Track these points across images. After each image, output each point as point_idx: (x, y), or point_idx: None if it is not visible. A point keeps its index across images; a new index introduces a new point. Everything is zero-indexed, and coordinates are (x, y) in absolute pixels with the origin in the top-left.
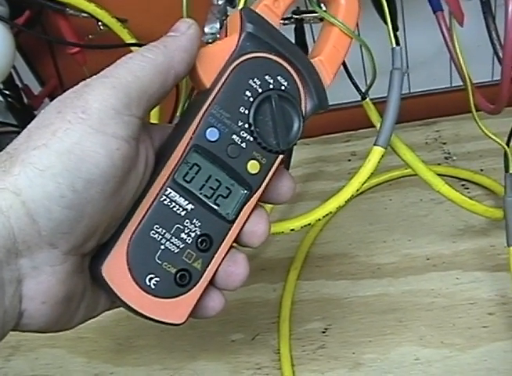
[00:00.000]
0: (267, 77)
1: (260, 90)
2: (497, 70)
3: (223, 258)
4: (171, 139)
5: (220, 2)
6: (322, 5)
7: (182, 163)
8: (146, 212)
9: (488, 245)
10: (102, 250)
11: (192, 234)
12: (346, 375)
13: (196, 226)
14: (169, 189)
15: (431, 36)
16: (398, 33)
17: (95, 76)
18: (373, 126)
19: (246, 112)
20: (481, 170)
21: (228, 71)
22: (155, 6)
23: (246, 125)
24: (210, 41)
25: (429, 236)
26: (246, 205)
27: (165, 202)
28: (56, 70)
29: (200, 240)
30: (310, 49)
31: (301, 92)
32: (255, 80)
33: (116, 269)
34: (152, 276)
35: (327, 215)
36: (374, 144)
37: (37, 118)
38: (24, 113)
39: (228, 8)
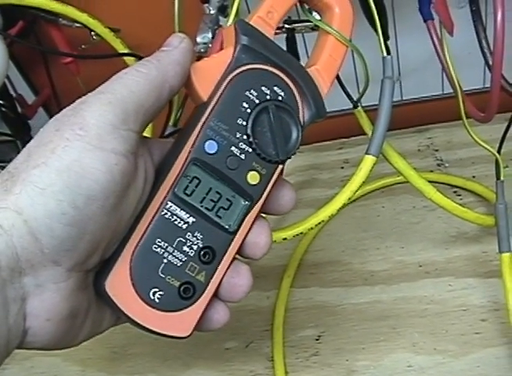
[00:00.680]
0: (264, 88)
1: (257, 101)
2: (488, 76)
3: (226, 270)
4: (170, 153)
5: (212, 12)
6: (315, 13)
7: (181, 176)
8: (147, 226)
9: (480, 252)
10: (106, 265)
11: (195, 247)
12: None
13: (198, 239)
14: (170, 203)
15: (423, 43)
16: (389, 41)
17: (90, 93)
18: (365, 133)
19: (244, 123)
20: (474, 177)
21: (224, 84)
22: (147, 16)
23: (245, 137)
24: (202, 50)
25: (421, 243)
26: (248, 216)
27: (166, 216)
28: (50, 80)
29: (202, 252)
30: (301, 59)
31: (298, 102)
32: (252, 91)
33: (119, 285)
34: (156, 289)
35: (319, 223)
36: (366, 153)
37: (36, 137)
38: (18, 122)
39: (220, 17)
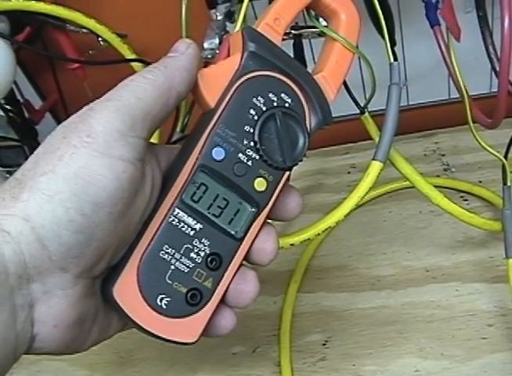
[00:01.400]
0: (271, 94)
1: (264, 108)
2: (495, 81)
3: (233, 276)
4: (177, 159)
5: (219, 18)
6: (321, 20)
7: (189, 183)
8: (154, 233)
9: (487, 257)
10: (113, 272)
11: (202, 253)
12: None
13: (205, 245)
14: (177, 210)
15: (429, 49)
16: (396, 47)
17: (98, 100)
18: (372, 138)
19: (251, 130)
20: (480, 182)
21: (231, 91)
22: (154, 21)
23: (252, 143)
24: (209, 56)
25: (428, 248)
26: (255, 223)
27: (174, 222)
28: (57, 85)
29: (209, 259)
30: (308, 65)
31: (305, 109)
32: (259, 98)
33: (127, 291)
34: (163, 296)
35: (326, 229)
36: (373, 159)
37: (44, 144)
38: (25, 127)
39: (227, 23)
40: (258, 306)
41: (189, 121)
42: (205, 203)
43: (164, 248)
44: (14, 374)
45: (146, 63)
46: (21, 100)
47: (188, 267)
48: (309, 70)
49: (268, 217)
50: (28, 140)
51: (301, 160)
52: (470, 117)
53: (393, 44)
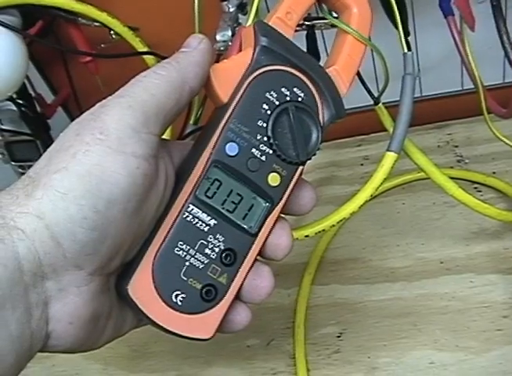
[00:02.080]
0: (283, 89)
1: (277, 102)
2: (509, 71)
3: (248, 272)
4: (190, 155)
5: (231, 10)
6: (333, 13)
7: (202, 179)
8: (169, 229)
9: (501, 248)
10: (128, 269)
11: (217, 249)
12: None
13: (219, 241)
14: (191, 206)
15: (442, 39)
16: (409, 37)
17: (110, 96)
18: (384, 130)
19: (265, 125)
20: (494, 173)
21: (244, 85)
22: (166, 14)
23: (265, 138)
24: (221, 48)
25: (442, 240)
26: (269, 218)
27: (188, 218)
28: (69, 79)
29: (224, 254)
30: (322, 56)
31: (317, 103)
32: (272, 93)
33: (142, 288)
34: (178, 292)
35: (341, 220)
36: (387, 150)
37: (57, 141)
38: (37, 121)
39: (239, 15)
40: (272, 299)
41: (203, 114)
42: (219, 198)
43: (179, 244)
44: (29, 369)
45: (158, 56)
46: (33, 94)
47: (203, 263)
48: (322, 61)
49: (282, 212)
50: (40, 135)
51: (314, 155)
52: (484, 108)
53: (406, 34)
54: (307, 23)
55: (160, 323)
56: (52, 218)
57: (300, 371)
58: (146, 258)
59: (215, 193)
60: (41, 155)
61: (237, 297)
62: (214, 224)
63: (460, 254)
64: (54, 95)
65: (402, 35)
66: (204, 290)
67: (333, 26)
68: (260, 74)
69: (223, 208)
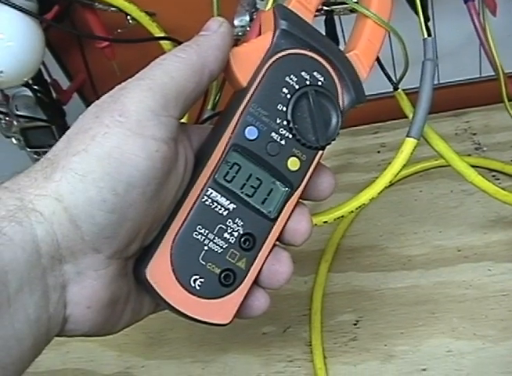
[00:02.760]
0: (303, 73)
1: (297, 86)
2: None
3: (267, 257)
4: (210, 139)
5: None
6: None
7: (222, 163)
8: (188, 213)
9: None
10: (146, 253)
11: (235, 234)
12: (378, 367)
13: (238, 226)
14: (210, 190)
15: (460, 26)
16: (428, 23)
17: (130, 79)
18: (401, 117)
19: (284, 109)
20: None
21: (264, 69)
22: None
23: (285, 122)
24: (240, 33)
25: (460, 228)
26: (288, 203)
27: (207, 203)
28: (85, 65)
29: (243, 239)
30: (340, 41)
31: (337, 87)
32: (292, 77)
33: (160, 272)
34: (196, 277)
35: (360, 206)
36: (407, 135)
37: (76, 123)
38: (53, 107)
39: (257, 0)
40: (289, 286)
41: (221, 99)
42: (238, 182)
43: (198, 229)
44: (44, 355)
45: (175, 41)
46: (49, 80)
47: (221, 247)
48: (341, 46)
49: (301, 197)
50: (56, 121)
51: (334, 140)
52: (505, 94)
53: (426, 19)
54: (326, 8)
55: (178, 308)
56: (70, 201)
57: (316, 359)
58: (164, 242)
59: (234, 177)
60: (56, 141)
61: (256, 282)
62: (233, 208)
63: (478, 242)
64: (70, 81)
65: (422, 20)
66: (223, 274)
67: (351, 11)
68: (280, 57)
69: (242, 192)
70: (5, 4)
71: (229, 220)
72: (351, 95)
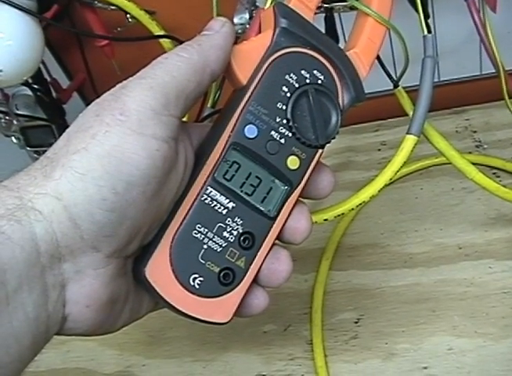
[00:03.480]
0: (303, 71)
1: (297, 85)
2: None
3: (266, 256)
4: (209, 137)
5: None
6: None
7: (221, 161)
8: (187, 212)
9: None
10: (145, 251)
11: (235, 232)
12: (379, 365)
13: (238, 224)
14: (210, 188)
15: (460, 23)
16: (428, 20)
17: (131, 78)
18: (402, 115)
19: (284, 107)
20: None
21: (264, 67)
22: None
23: (285, 121)
24: (239, 31)
25: (461, 225)
26: (288, 201)
27: (206, 201)
28: (85, 64)
29: (242, 238)
30: (340, 38)
31: (337, 86)
32: (291, 75)
33: (159, 271)
34: (196, 275)
35: (360, 204)
36: (407, 133)
37: (76, 122)
38: (53, 106)
39: None
40: (289, 284)
41: (220, 97)
42: (238, 181)
43: (197, 227)
44: (44, 354)
45: (175, 40)
46: (48, 79)
47: (221, 246)
48: (341, 44)
49: (300, 195)
50: (56, 120)
51: (333, 138)
52: (505, 91)
53: (426, 16)
54: (326, 5)
55: (177, 307)
56: (70, 199)
57: (317, 357)
58: (163, 241)
59: (234, 175)
60: (56, 140)
61: (255, 281)
62: (233, 207)
63: (479, 240)
64: (69, 80)
65: (422, 17)
66: (222, 273)
67: (351, 8)
68: (279, 56)
69: (241, 191)
70: (5, 3)
71: (229, 219)
72: (350, 94)
